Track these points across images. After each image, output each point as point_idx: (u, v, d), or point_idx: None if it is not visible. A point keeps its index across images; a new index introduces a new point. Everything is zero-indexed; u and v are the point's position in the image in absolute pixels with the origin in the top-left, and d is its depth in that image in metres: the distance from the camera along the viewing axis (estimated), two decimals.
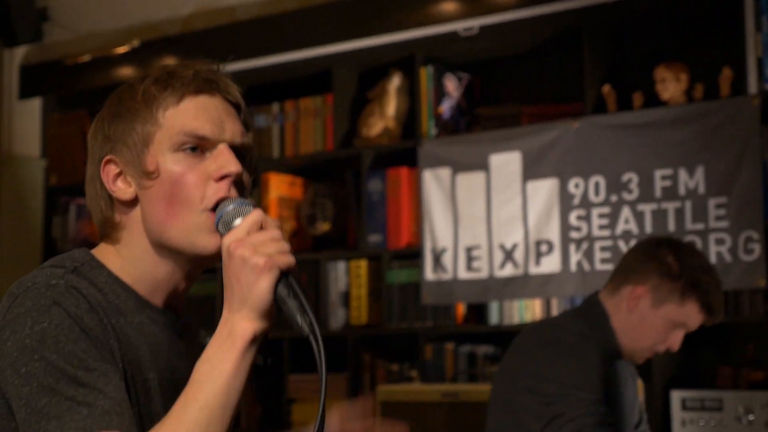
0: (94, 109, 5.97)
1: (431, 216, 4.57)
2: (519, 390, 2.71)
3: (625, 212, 4.17)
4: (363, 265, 4.78)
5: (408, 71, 4.81)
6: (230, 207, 1.54)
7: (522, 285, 4.37)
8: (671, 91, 4.22)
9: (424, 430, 4.08)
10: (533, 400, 2.67)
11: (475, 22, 4.53)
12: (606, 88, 4.30)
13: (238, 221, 1.51)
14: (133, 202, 1.63)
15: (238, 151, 1.62)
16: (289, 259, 1.45)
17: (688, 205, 4.06)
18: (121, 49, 5.50)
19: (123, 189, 1.62)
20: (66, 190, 5.79)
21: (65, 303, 1.46)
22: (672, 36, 4.41)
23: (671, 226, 4.08)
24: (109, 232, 1.65)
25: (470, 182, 4.51)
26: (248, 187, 1.65)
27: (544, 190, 4.34)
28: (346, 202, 4.97)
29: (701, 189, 4.04)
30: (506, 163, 4.44)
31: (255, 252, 1.44)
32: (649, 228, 4.10)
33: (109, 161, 1.63)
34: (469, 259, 4.48)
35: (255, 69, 4.97)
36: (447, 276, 4.51)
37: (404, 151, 4.71)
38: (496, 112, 4.64)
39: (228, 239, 1.47)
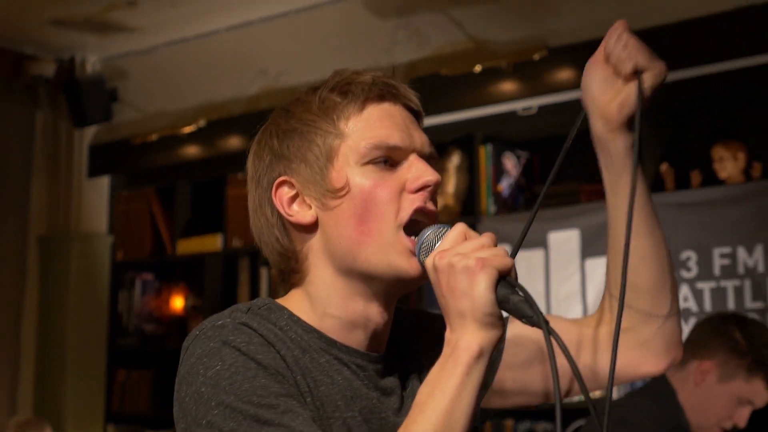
0: (160, 187, 6.06)
1: None
2: None
3: (684, 290, 4.17)
4: None
5: (467, 149, 4.86)
6: (429, 232, 1.40)
7: None
8: (729, 170, 4.23)
9: None
10: None
11: (534, 102, 4.58)
12: (664, 167, 4.32)
13: (439, 244, 1.36)
14: (313, 227, 1.45)
15: (427, 161, 1.47)
16: (505, 261, 1.30)
17: (747, 283, 4.05)
18: (187, 129, 5.62)
19: (302, 212, 1.45)
20: (132, 266, 5.90)
21: (235, 341, 1.33)
22: (730, 115, 4.43)
23: (730, 304, 4.06)
24: (290, 265, 1.47)
25: (529, 259, 4.54)
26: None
27: (603, 267, 4.34)
28: None
29: (760, 267, 4.03)
30: (565, 240, 4.46)
31: (464, 257, 1.29)
32: (708, 306, 4.09)
33: (282, 183, 1.46)
34: None
35: None
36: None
37: None
38: (554, 190, 4.67)
39: (431, 256, 1.33)
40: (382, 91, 1.46)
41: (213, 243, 5.53)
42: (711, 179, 4.28)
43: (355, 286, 1.44)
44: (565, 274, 4.44)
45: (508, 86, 4.64)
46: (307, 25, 5.35)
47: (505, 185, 4.75)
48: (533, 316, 1.27)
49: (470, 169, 4.88)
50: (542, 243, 4.50)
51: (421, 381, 1.37)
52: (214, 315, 1.40)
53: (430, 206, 1.45)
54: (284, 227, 1.47)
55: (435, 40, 4.94)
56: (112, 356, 5.90)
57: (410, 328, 1.59)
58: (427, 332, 1.59)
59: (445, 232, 1.38)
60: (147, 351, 5.75)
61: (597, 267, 4.37)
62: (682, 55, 4.22)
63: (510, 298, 1.28)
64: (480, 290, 1.27)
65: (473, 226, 4.61)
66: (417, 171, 1.43)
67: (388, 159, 1.43)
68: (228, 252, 5.45)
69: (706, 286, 4.12)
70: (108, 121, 5.97)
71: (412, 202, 1.42)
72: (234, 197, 5.37)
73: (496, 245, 1.33)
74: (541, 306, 4.45)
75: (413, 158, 1.45)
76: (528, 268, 4.52)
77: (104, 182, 6.12)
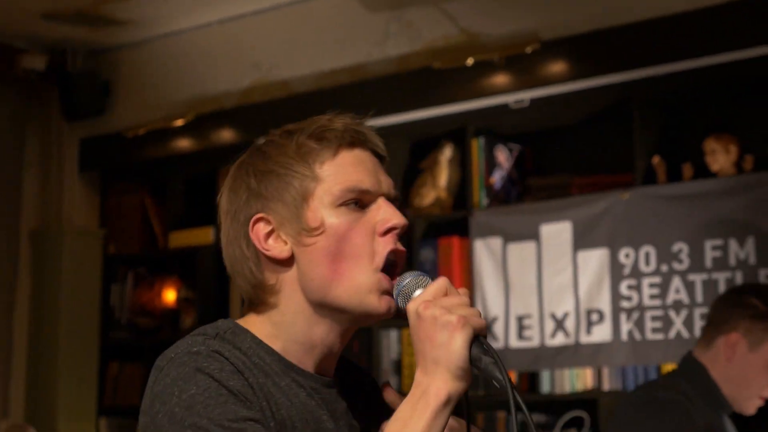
0: (151, 180, 6.06)
1: (482, 285, 4.61)
2: None
3: (676, 282, 4.18)
4: None
5: (459, 142, 4.87)
6: (408, 279, 1.51)
7: (573, 354, 4.37)
8: (721, 163, 4.24)
9: None
10: None
11: (526, 95, 4.59)
12: (656, 159, 4.33)
13: (419, 292, 1.49)
14: (288, 262, 1.55)
15: (393, 203, 1.58)
16: (481, 322, 1.42)
17: (738, 275, 4.06)
18: (179, 122, 5.61)
19: (278, 247, 1.55)
20: (123, 260, 5.90)
21: (209, 368, 1.43)
22: (721, 108, 4.44)
23: None
24: (261, 296, 1.58)
25: (521, 252, 4.54)
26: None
27: (595, 260, 4.37)
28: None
29: (752, 259, 4.04)
30: (557, 233, 4.47)
31: (447, 311, 1.41)
32: (700, 298, 4.10)
33: (259, 219, 1.56)
34: (520, 327, 4.51)
35: None
36: (498, 345, 4.53)
37: (456, 221, 4.76)
38: (546, 183, 4.68)
39: (414, 303, 1.44)
40: (353, 138, 1.58)
41: (205, 236, 5.54)
42: (703, 172, 4.29)
43: (322, 316, 1.55)
44: (558, 267, 4.45)
45: (500, 79, 4.65)
46: (300, 18, 5.34)
47: (497, 178, 4.76)
48: (501, 380, 1.39)
49: (462, 162, 4.88)
50: (534, 235, 4.51)
51: (362, 414, 1.59)
52: (186, 338, 1.50)
53: (400, 247, 1.55)
54: (258, 260, 1.57)
55: (427, 33, 4.95)
56: (104, 350, 5.89)
57: (346, 363, 1.71)
58: (356, 373, 1.74)
59: (425, 281, 1.51)
60: (139, 344, 5.75)
61: (589, 259, 4.37)
62: (674, 48, 4.23)
63: (482, 358, 1.40)
64: (457, 345, 1.39)
65: (465, 218, 4.64)
66: (385, 214, 1.54)
67: (359, 201, 1.54)
68: (220, 245, 5.44)
69: (697, 278, 4.14)
70: (100, 114, 5.96)
71: (385, 245, 1.53)
72: None
73: (472, 304, 1.46)
74: (534, 298, 4.46)
75: (381, 201, 1.56)
76: (520, 260, 4.53)
77: (96, 176, 6.11)
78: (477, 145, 4.76)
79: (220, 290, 5.47)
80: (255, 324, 1.57)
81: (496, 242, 4.59)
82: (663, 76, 4.27)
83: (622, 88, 4.38)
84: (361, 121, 1.63)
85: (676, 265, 4.18)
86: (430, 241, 4.82)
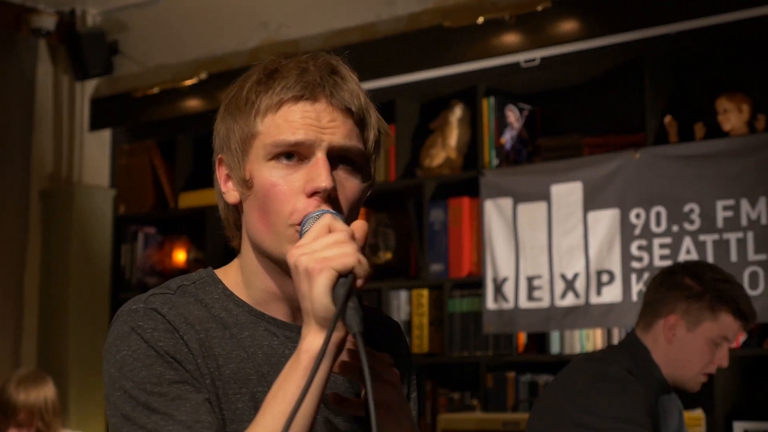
0: (161, 140, 6.05)
1: (492, 246, 4.60)
2: (568, 425, 2.71)
3: (687, 243, 4.17)
4: (425, 294, 4.82)
5: (470, 102, 4.85)
6: (310, 221, 1.41)
7: (583, 315, 4.37)
8: (733, 122, 4.22)
9: None
10: None
11: (537, 54, 4.56)
12: (667, 119, 4.31)
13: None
14: (240, 208, 1.55)
15: (346, 157, 1.49)
16: (346, 260, 1.29)
17: (750, 235, 4.05)
18: (188, 82, 5.60)
19: (230, 193, 1.56)
20: (134, 219, 5.91)
21: (142, 327, 1.43)
22: (734, 67, 4.41)
23: (733, 256, 4.06)
24: (232, 240, 1.60)
25: (531, 212, 4.54)
26: (356, 199, 1.50)
27: (606, 220, 4.36)
28: (408, 231, 5.02)
29: (763, 219, 4.02)
30: (567, 193, 4.46)
31: (309, 257, 1.30)
32: (711, 258, 4.09)
33: (220, 160, 1.57)
34: (531, 288, 4.50)
35: None
36: (508, 305, 4.54)
37: (466, 182, 4.75)
38: (557, 143, 4.66)
39: (290, 253, 1.34)
40: (301, 92, 1.48)
41: (215, 196, 5.52)
42: (715, 131, 4.27)
43: (269, 264, 1.51)
44: (568, 227, 4.44)
45: (510, 38, 4.62)
46: None
47: (507, 138, 4.74)
48: (354, 329, 1.27)
49: (473, 121, 4.87)
50: (545, 196, 4.50)
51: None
52: (140, 295, 1.50)
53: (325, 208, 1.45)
54: (225, 202, 1.58)
55: None
56: (114, 309, 5.91)
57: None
58: (379, 326, 1.68)
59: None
60: None
61: (600, 220, 4.36)
62: (686, 6, 4.19)
63: (346, 302, 1.28)
64: (316, 292, 1.29)
65: (476, 179, 4.62)
66: (312, 174, 1.45)
67: (294, 154, 1.47)
68: None
69: (709, 239, 4.12)
70: (109, 74, 5.96)
71: (306, 206, 1.44)
72: None
73: (356, 239, 1.34)
74: (544, 259, 4.46)
75: (317, 157, 1.45)
76: (531, 220, 4.52)
77: (106, 135, 6.11)
78: (487, 105, 4.74)
79: (228, 250, 5.46)
80: (230, 272, 1.57)
81: (506, 203, 4.58)
82: (675, 34, 4.24)
83: (633, 46, 4.35)
84: (335, 63, 1.56)
85: (687, 226, 4.17)
86: (440, 201, 4.81)
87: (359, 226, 1.36)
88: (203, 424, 1.38)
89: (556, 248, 4.47)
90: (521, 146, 4.79)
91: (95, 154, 6.06)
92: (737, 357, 4.06)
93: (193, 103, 5.62)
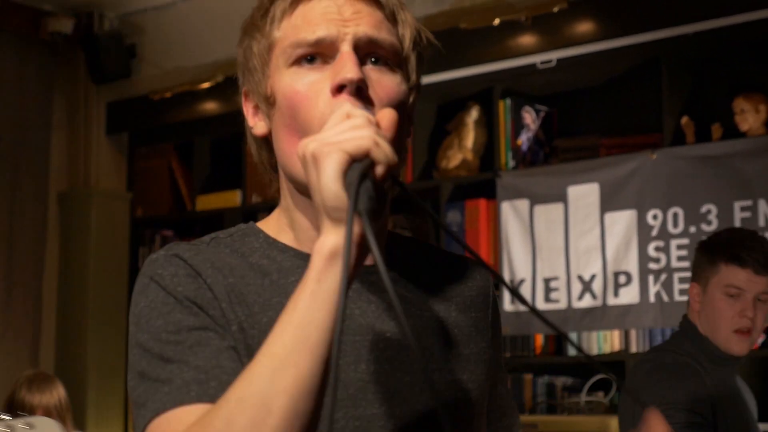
0: (178, 143, 6.05)
1: (509, 247, 4.60)
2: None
3: None
4: None
5: (486, 104, 4.85)
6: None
7: (600, 316, 4.37)
8: (750, 123, 4.21)
9: None
10: None
11: (553, 55, 4.56)
12: (684, 120, 4.30)
13: None
14: (270, 140, 1.36)
15: (378, 54, 1.30)
16: (359, 142, 1.09)
17: None
18: (206, 85, 5.62)
19: (259, 124, 1.37)
20: (151, 222, 5.93)
21: (161, 275, 1.28)
22: (751, 67, 4.40)
23: None
24: (269, 180, 1.41)
25: (548, 214, 4.53)
26: (394, 101, 1.29)
27: (623, 221, 4.35)
28: (425, 233, 5.02)
29: None
30: (584, 194, 4.45)
31: (318, 143, 1.11)
32: None
33: (245, 93, 1.39)
34: (548, 290, 4.50)
35: None
36: (525, 307, 4.53)
37: (482, 183, 4.75)
38: (574, 144, 4.65)
39: (299, 146, 1.15)
40: None
41: (232, 199, 5.55)
42: (732, 132, 4.26)
43: (307, 199, 1.31)
44: (585, 228, 4.43)
45: (527, 39, 4.62)
46: None
47: (524, 139, 4.74)
48: (365, 214, 1.06)
49: (489, 123, 4.87)
50: (562, 197, 4.49)
51: (424, 290, 1.38)
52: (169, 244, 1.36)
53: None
54: (256, 140, 1.40)
55: None
56: None
57: (407, 255, 1.47)
58: (436, 267, 1.52)
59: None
60: None
61: (617, 221, 4.36)
62: (703, 7, 4.18)
63: (352, 185, 1.06)
64: (325, 180, 1.09)
65: (492, 180, 4.62)
66: (336, 67, 1.26)
67: (317, 55, 1.29)
68: (247, 208, 5.47)
69: None
70: (126, 77, 5.98)
71: (332, 109, 1.22)
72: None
73: (376, 124, 1.15)
74: (561, 260, 4.45)
75: (342, 52, 1.27)
76: (547, 222, 4.52)
77: (123, 139, 6.13)
78: (504, 107, 4.74)
79: None
80: (270, 221, 1.40)
81: (523, 204, 4.58)
82: (692, 35, 4.23)
83: (650, 47, 4.34)
84: None
85: (705, 227, 4.16)
86: (457, 203, 4.81)
87: (385, 113, 1.18)
88: (224, 370, 1.21)
89: (573, 249, 4.46)
90: (538, 147, 4.78)
91: (112, 157, 6.09)
92: (755, 357, 4.05)
93: (211, 106, 5.63)
